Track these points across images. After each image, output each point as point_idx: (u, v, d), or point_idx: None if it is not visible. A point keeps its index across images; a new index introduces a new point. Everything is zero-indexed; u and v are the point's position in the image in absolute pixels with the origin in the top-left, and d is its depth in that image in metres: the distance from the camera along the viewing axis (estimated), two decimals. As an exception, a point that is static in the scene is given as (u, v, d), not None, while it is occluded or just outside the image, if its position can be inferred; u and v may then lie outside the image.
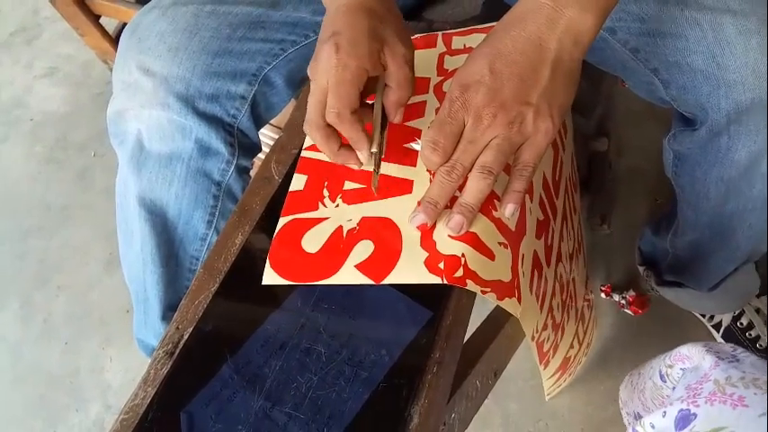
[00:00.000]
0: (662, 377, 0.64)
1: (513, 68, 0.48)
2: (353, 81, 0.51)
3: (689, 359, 0.58)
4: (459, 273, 0.48)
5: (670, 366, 0.62)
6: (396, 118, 0.56)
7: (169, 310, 0.75)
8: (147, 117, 0.67)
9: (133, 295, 0.78)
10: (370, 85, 0.54)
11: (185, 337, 0.54)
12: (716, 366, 0.52)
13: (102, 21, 1.20)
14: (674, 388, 0.63)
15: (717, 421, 0.46)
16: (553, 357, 0.78)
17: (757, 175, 0.65)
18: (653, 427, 0.51)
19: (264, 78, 0.70)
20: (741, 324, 1.02)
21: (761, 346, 1.00)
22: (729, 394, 0.47)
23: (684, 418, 0.48)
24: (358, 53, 0.51)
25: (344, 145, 0.55)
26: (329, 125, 0.53)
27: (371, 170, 0.56)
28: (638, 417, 0.78)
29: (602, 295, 1.08)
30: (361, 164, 0.55)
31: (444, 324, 0.51)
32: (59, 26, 1.76)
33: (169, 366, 0.53)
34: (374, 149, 0.54)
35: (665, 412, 0.50)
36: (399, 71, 0.53)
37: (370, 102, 0.56)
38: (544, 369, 0.76)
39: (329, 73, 0.51)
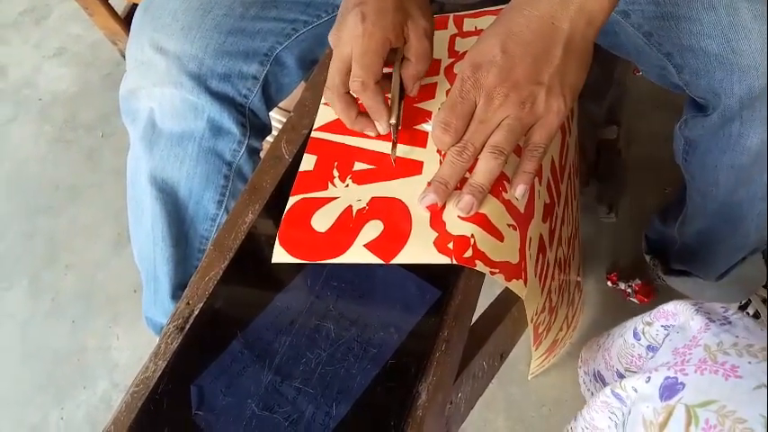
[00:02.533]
0: (636, 335, 0.60)
1: (525, 48, 0.47)
2: (378, 50, 0.52)
3: (674, 316, 0.54)
4: (469, 253, 0.48)
5: (648, 324, 0.57)
6: (413, 91, 0.57)
7: (179, 288, 0.76)
8: (160, 95, 0.67)
9: (143, 273, 0.79)
10: (388, 57, 0.54)
11: (195, 312, 0.55)
12: (706, 329, 0.47)
13: (110, 1, 1.20)
14: (648, 346, 0.59)
15: (707, 393, 0.42)
16: (545, 339, 0.78)
17: (769, 162, 0.65)
18: (635, 390, 0.48)
19: (276, 58, 0.70)
20: (747, 314, 1.02)
21: (766, 336, 1.00)
22: (721, 363, 0.43)
23: (670, 387, 0.44)
24: (383, 23, 0.52)
25: (361, 113, 0.56)
26: (349, 93, 0.54)
27: (382, 151, 0.57)
28: (597, 376, 0.75)
29: (609, 283, 1.08)
30: (378, 133, 0.56)
31: (453, 303, 0.51)
32: (68, 6, 1.76)
33: (179, 341, 0.53)
34: (393, 121, 0.55)
35: (648, 377, 0.46)
36: (419, 44, 0.54)
37: (386, 71, 0.56)
38: (535, 350, 0.77)
39: (354, 42, 0.52)
